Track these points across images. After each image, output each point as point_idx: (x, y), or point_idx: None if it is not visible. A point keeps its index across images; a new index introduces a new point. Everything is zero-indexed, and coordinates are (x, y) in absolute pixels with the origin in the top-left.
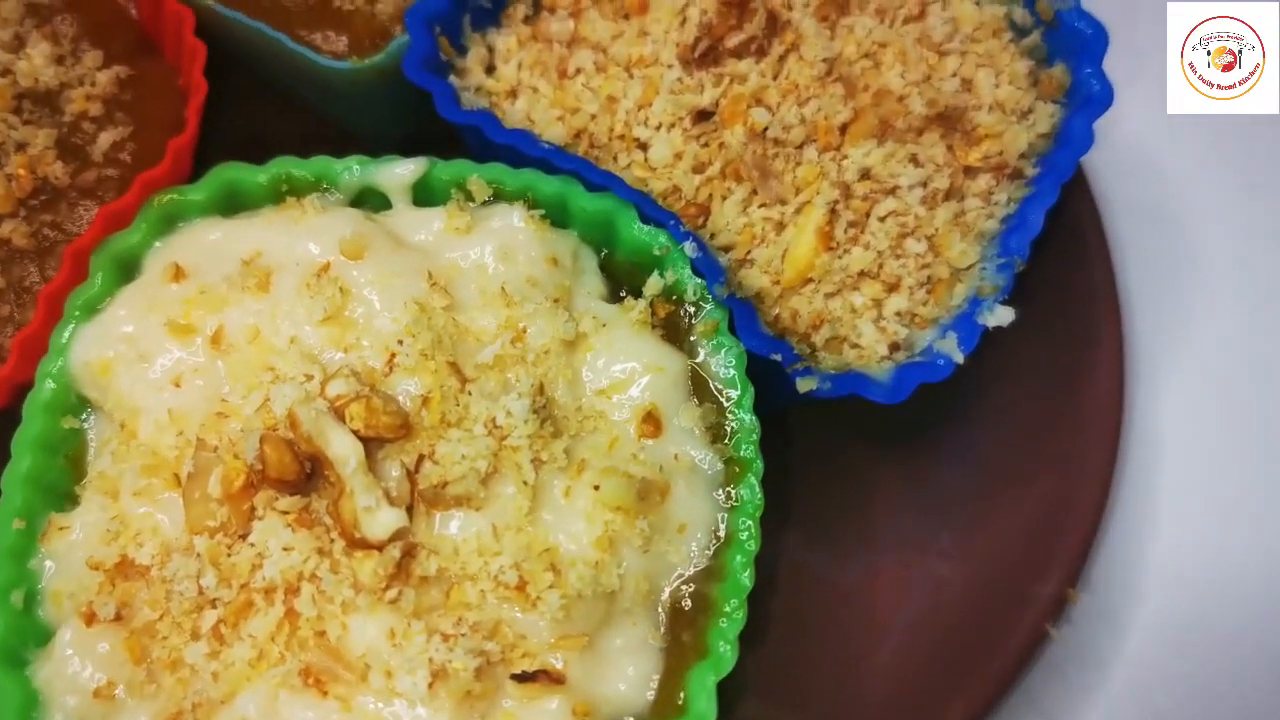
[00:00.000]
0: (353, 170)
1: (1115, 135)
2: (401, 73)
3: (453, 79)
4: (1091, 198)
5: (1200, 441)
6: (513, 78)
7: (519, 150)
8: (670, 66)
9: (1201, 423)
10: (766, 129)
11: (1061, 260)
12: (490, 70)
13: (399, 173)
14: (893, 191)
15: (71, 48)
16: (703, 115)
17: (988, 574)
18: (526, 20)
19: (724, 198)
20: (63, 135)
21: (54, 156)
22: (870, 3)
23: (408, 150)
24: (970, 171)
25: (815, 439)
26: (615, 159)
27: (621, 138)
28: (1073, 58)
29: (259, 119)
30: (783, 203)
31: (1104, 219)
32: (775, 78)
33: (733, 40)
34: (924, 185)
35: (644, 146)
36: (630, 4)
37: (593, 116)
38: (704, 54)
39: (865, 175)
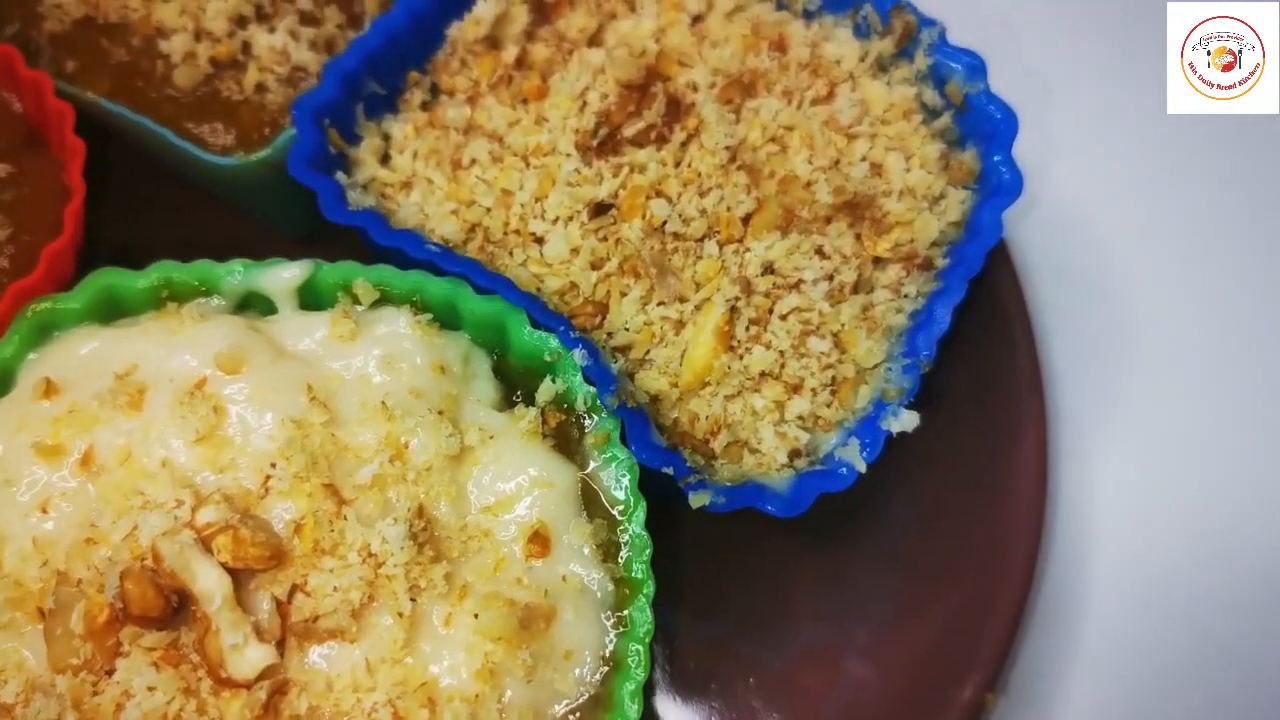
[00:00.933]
0: (235, 274)
1: (1042, 202)
2: None
3: (340, 176)
4: (1014, 272)
5: (1130, 523)
6: (407, 169)
7: (406, 253)
8: (568, 155)
9: (1132, 504)
10: (665, 223)
11: (983, 338)
12: (386, 159)
13: (284, 276)
14: (796, 286)
15: None
16: (601, 208)
17: (905, 676)
18: (424, 106)
19: (622, 295)
20: None
21: None
22: (777, 84)
23: (310, 241)
24: (879, 262)
25: (727, 530)
26: (511, 254)
27: (517, 232)
28: (983, 143)
29: (148, 216)
30: (682, 300)
31: (1028, 289)
32: (677, 165)
33: (631, 129)
34: (830, 279)
35: (540, 241)
36: (528, 89)
37: (487, 210)
38: (603, 142)
39: (768, 270)
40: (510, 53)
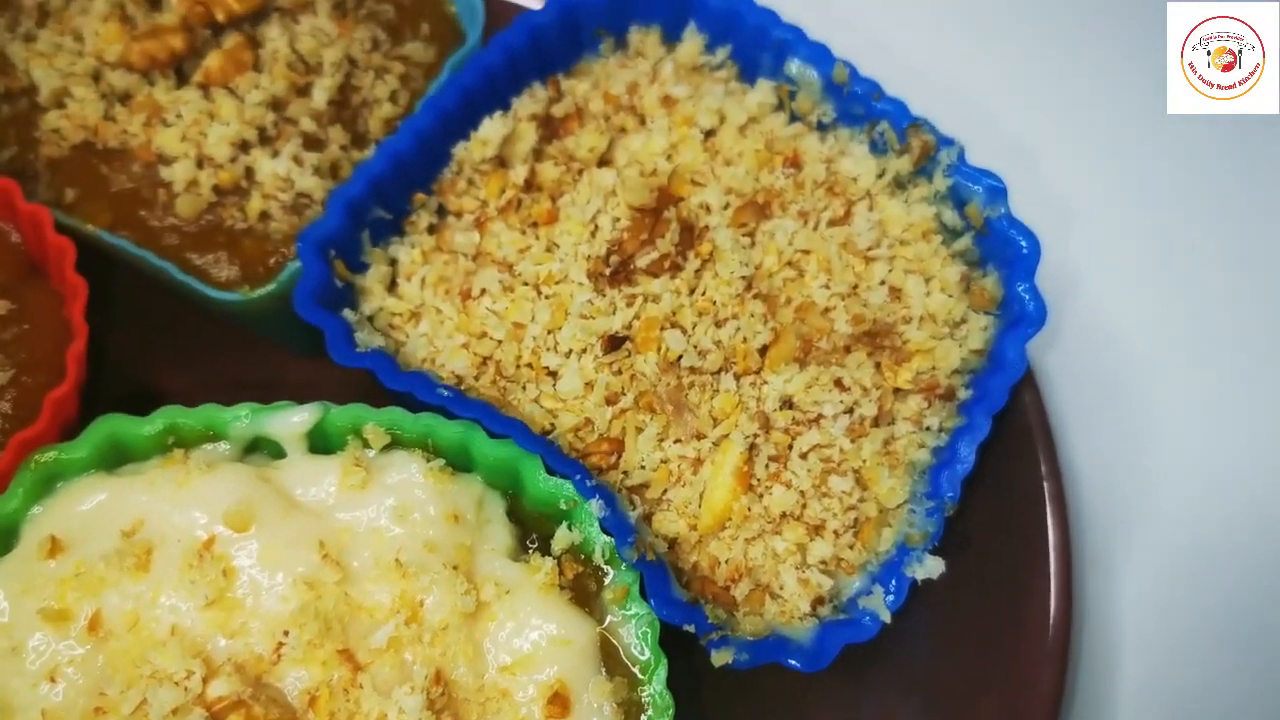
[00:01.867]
0: (242, 419)
1: (1063, 326)
2: None
3: (347, 313)
4: (1034, 384)
5: (1157, 637)
6: (415, 297)
7: (415, 396)
8: (580, 285)
9: (1158, 616)
10: (681, 356)
11: (1004, 452)
12: (393, 285)
13: (293, 421)
14: (816, 422)
15: None
16: (615, 340)
17: None
18: (431, 229)
19: (638, 431)
20: None
21: None
22: (793, 203)
23: (319, 355)
24: (900, 393)
25: None
26: (524, 389)
27: (529, 366)
28: (1005, 268)
29: (152, 345)
30: (699, 438)
31: (1047, 396)
32: (691, 293)
33: (644, 258)
34: (850, 412)
35: (553, 375)
36: (538, 213)
37: (499, 343)
38: (615, 270)
39: (787, 404)
40: (519, 172)
